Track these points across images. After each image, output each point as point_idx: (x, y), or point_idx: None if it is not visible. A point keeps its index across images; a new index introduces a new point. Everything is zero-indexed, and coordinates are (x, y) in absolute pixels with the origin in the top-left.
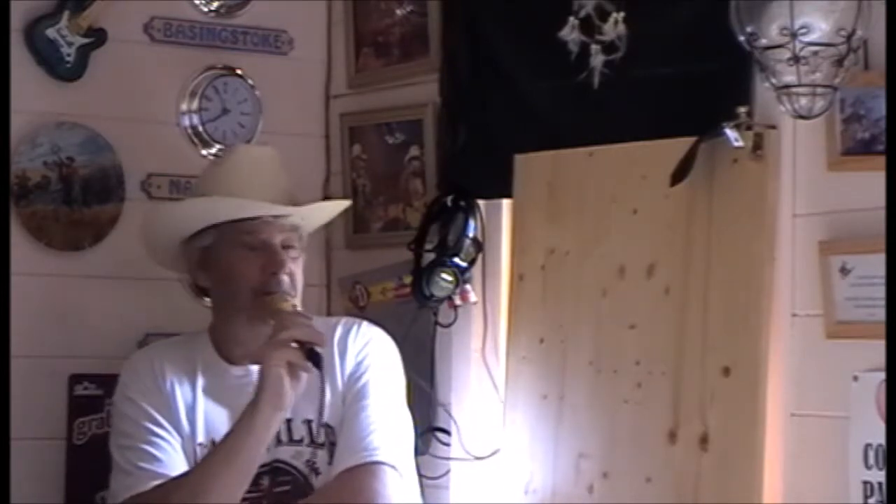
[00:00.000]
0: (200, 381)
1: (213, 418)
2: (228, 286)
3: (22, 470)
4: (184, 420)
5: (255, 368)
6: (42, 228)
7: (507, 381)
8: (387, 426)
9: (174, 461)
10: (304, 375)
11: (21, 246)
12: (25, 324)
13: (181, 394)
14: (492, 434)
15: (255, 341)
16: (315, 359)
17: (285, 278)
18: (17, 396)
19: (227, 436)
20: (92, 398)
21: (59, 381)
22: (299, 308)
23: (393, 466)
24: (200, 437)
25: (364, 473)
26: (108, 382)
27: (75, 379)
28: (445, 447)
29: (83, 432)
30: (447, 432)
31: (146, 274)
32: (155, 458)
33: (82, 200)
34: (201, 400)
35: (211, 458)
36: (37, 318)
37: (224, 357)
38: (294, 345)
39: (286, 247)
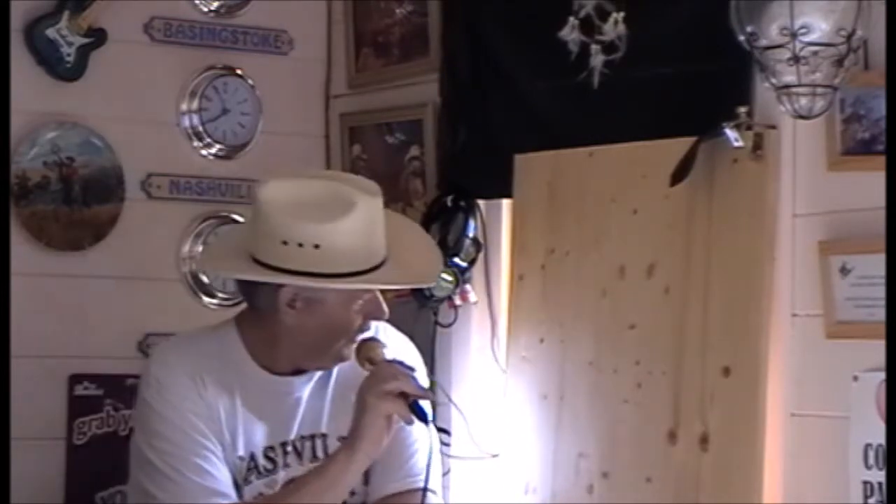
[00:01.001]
0: (239, 391)
1: (251, 430)
2: (325, 331)
3: (22, 470)
4: (225, 431)
5: (295, 379)
6: (42, 228)
7: (507, 381)
8: (425, 446)
9: (223, 476)
10: (395, 425)
11: (21, 246)
12: (25, 324)
13: (221, 403)
14: (492, 434)
15: (308, 363)
16: (420, 413)
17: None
18: (17, 396)
19: (315, 474)
20: (92, 398)
21: (59, 381)
22: (388, 355)
23: (434, 492)
24: (240, 451)
25: (408, 500)
26: (108, 382)
27: (75, 379)
28: (445, 447)
29: (83, 432)
30: (447, 432)
31: (146, 274)
32: (205, 472)
33: (82, 200)
34: (241, 411)
35: (299, 494)
36: (37, 318)
37: (262, 365)
38: (398, 395)
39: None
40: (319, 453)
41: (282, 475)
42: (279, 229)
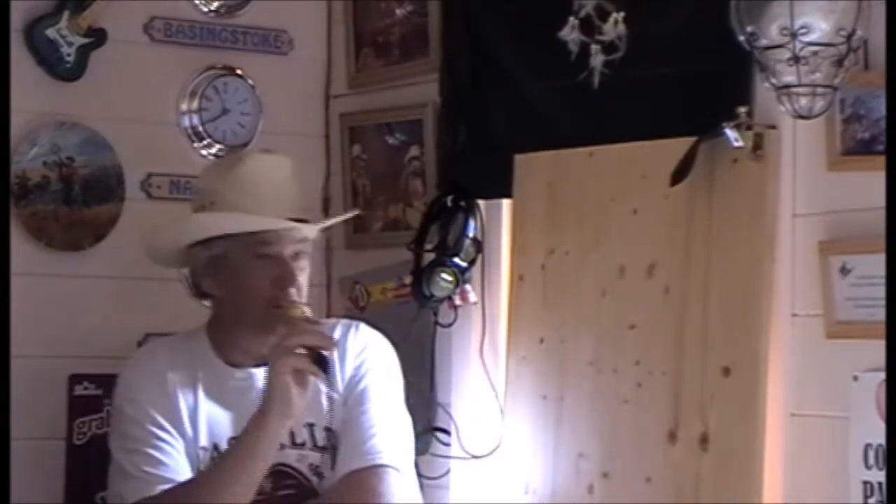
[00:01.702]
0: (202, 384)
1: (215, 422)
2: (238, 296)
3: (22, 470)
4: (186, 424)
5: (256, 371)
6: (42, 228)
7: (507, 381)
8: (388, 428)
9: (179, 465)
10: (311, 381)
11: (21, 246)
12: (25, 324)
13: (183, 397)
14: (491, 434)
15: (259, 347)
16: (322, 363)
17: (294, 290)
18: (17, 396)
19: (237, 444)
20: (92, 398)
21: (59, 381)
22: (309, 314)
23: (396, 469)
24: (203, 441)
25: (368, 476)
26: (108, 382)
27: (75, 379)
28: (445, 447)
29: (83, 432)
30: (447, 432)
31: (146, 274)
32: (160, 463)
33: (82, 200)
34: (203, 403)
35: (221, 466)
36: (37, 318)
37: (225, 360)
38: (302, 350)
39: (296, 256)
40: (285, 441)
41: None
42: (195, 200)
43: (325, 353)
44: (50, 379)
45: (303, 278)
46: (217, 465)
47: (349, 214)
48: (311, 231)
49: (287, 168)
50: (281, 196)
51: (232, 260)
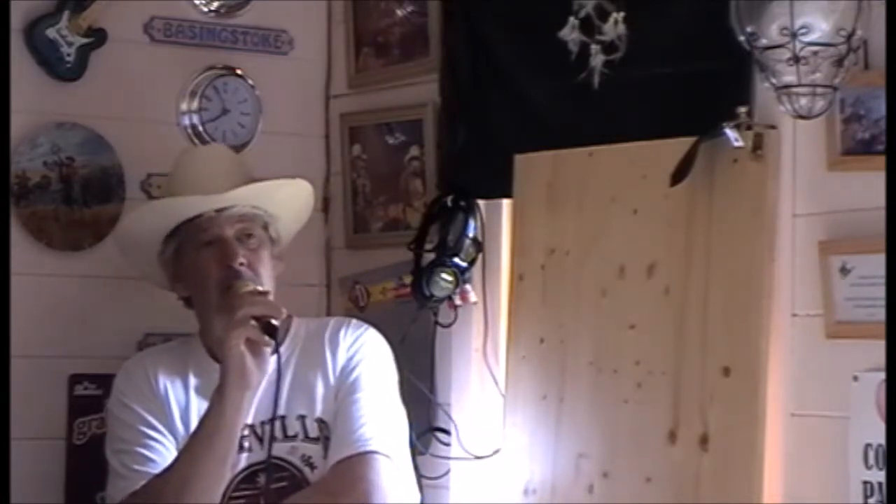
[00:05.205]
0: (193, 382)
1: None
2: (197, 287)
3: (22, 470)
4: (178, 422)
5: None
6: (42, 228)
7: (507, 381)
8: (379, 417)
9: (168, 462)
10: (267, 351)
11: (21, 246)
12: (25, 324)
13: (174, 396)
14: (492, 434)
15: (220, 331)
16: (273, 332)
17: (243, 269)
18: (17, 396)
19: (200, 423)
20: (92, 398)
21: (59, 381)
22: (259, 288)
23: (386, 455)
24: None
25: (357, 463)
26: (108, 382)
27: (75, 379)
28: (445, 447)
29: (83, 432)
30: (447, 432)
31: None
32: (149, 460)
33: (82, 200)
34: (194, 400)
35: (190, 448)
36: (37, 318)
37: (215, 357)
38: (253, 322)
39: (242, 237)
40: (278, 434)
41: (244, 456)
42: None
43: (274, 321)
44: (50, 379)
45: (253, 258)
46: (185, 447)
47: (293, 184)
48: (247, 206)
49: (218, 155)
50: (206, 180)
51: (184, 256)
